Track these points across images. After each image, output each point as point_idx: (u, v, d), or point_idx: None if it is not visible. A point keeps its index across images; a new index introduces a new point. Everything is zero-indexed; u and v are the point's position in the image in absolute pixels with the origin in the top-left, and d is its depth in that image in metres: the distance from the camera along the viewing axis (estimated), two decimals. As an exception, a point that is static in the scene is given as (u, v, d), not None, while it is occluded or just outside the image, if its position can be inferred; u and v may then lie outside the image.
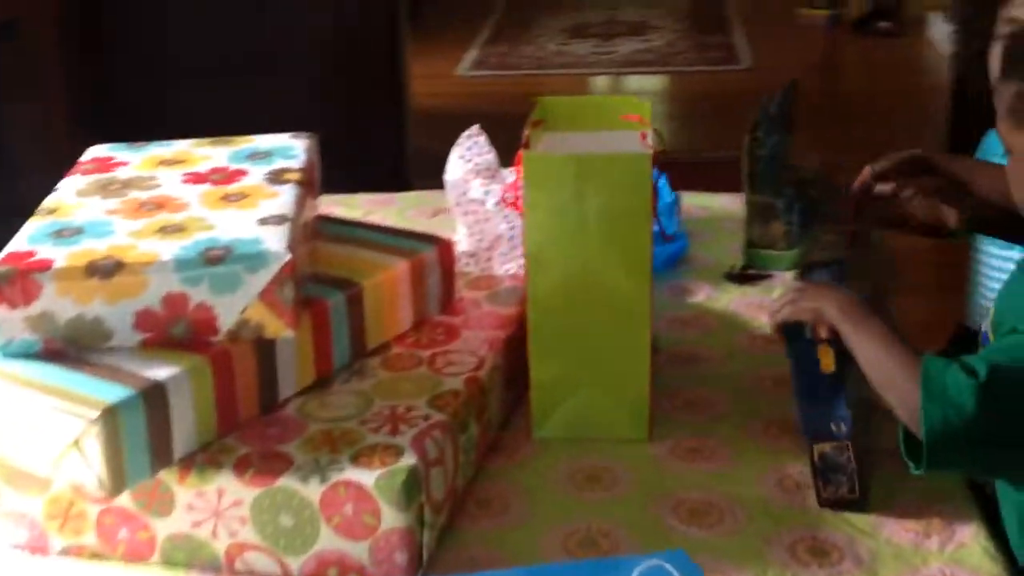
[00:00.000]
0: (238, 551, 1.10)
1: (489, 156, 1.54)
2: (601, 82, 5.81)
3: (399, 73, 4.01)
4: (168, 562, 1.12)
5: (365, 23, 3.89)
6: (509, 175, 1.55)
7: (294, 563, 1.09)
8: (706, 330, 1.58)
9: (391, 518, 1.06)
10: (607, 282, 1.27)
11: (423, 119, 4.22)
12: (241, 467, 1.10)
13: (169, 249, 1.13)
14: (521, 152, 1.27)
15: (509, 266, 1.52)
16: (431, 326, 1.38)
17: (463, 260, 1.51)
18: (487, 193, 1.52)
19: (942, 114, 4.24)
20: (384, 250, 1.36)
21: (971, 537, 1.13)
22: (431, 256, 1.38)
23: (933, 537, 1.13)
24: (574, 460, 1.28)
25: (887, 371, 1.13)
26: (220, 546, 1.11)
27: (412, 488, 1.07)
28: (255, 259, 1.12)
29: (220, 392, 1.13)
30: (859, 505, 1.17)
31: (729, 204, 1.95)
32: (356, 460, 1.09)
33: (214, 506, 1.09)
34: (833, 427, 1.17)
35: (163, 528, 1.11)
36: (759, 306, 1.65)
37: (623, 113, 1.38)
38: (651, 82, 5.85)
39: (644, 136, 1.31)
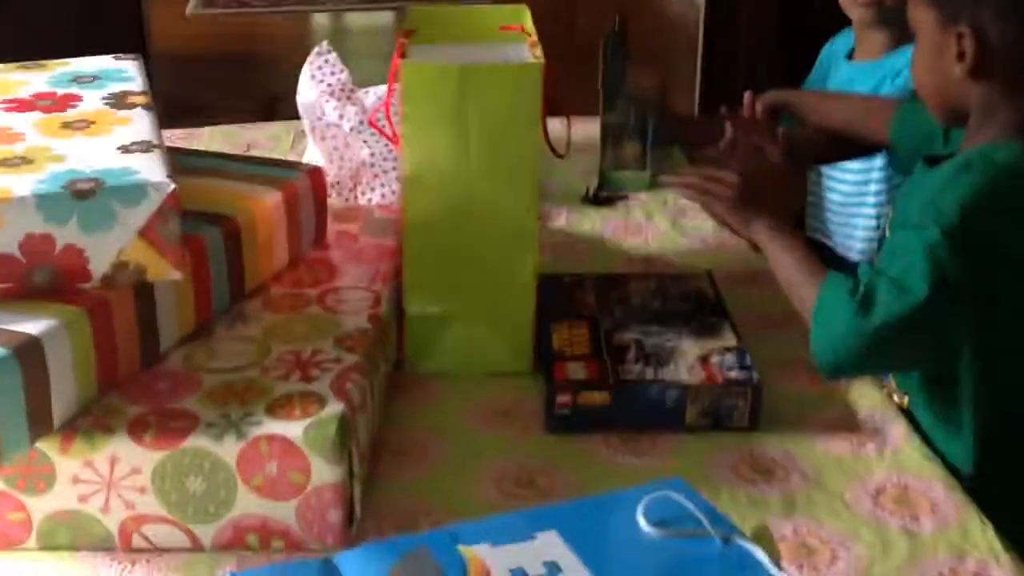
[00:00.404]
0: (135, 525, 0.95)
1: (342, 75, 1.41)
2: (352, 18, 5.59)
3: (139, 18, 3.75)
4: (47, 546, 0.96)
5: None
6: (364, 95, 1.42)
7: (205, 532, 0.95)
8: (578, 256, 1.52)
9: (323, 473, 0.94)
10: (491, 204, 1.16)
11: (159, 63, 3.96)
12: (137, 430, 0.94)
13: (23, 184, 0.95)
14: (396, 63, 1.14)
15: (372, 195, 1.40)
16: (309, 263, 1.25)
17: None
18: (342, 116, 1.39)
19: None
20: (252, 180, 1.22)
21: (903, 441, 1.12)
22: (303, 184, 1.24)
23: (868, 445, 1.12)
24: (479, 396, 1.19)
25: (797, 294, 1.17)
26: (113, 521, 0.95)
27: (344, 438, 0.95)
28: (132, 191, 0.96)
29: (101, 347, 0.97)
30: None
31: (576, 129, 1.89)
32: (273, 412, 0.96)
33: (106, 477, 0.94)
34: None
35: (40, 506, 0.95)
36: (624, 229, 1.61)
37: (502, 24, 1.28)
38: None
39: (533, 44, 1.22)
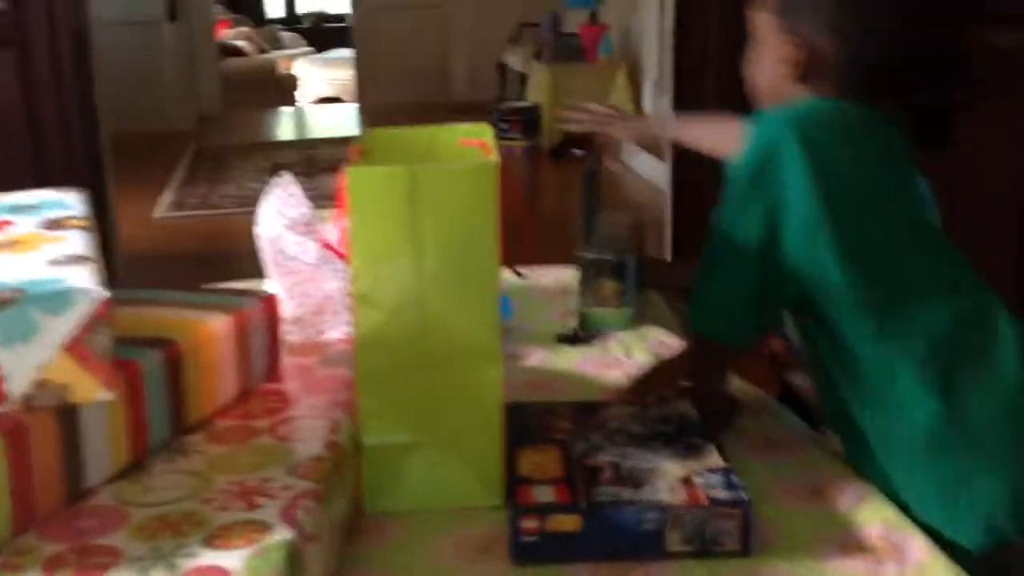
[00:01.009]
0: None
1: (304, 208, 1.34)
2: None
3: (106, 220, 3.75)
4: None
5: (69, 174, 3.59)
6: (326, 230, 1.35)
7: None
8: (554, 391, 1.42)
9: (268, 609, 0.82)
10: (449, 318, 1.06)
11: (125, 263, 3.95)
12: (52, 568, 0.82)
13: (-65, 296, 0.87)
14: (345, 172, 1.07)
15: (336, 332, 1.31)
16: (260, 396, 1.15)
17: (285, 327, 1.29)
18: (304, 249, 1.32)
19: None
20: (200, 307, 1.13)
21: (926, 556, 1.01)
22: (255, 311, 1.15)
23: (887, 564, 1.00)
24: (446, 533, 1.07)
25: None
26: None
27: (293, 568, 0.83)
28: (57, 299, 0.87)
29: (15, 478, 0.86)
30: None
31: (544, 276, 1.84)
32: (210, 543, 0.84)
33: (16, 627, 0.81)
34: None
35: (-58, 667, 0.82)
36: (603, 363, 1.52)
37: (463, 139, 1.23)
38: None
39: (488, 151, 1.15)
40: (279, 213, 1.33)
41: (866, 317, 1.15)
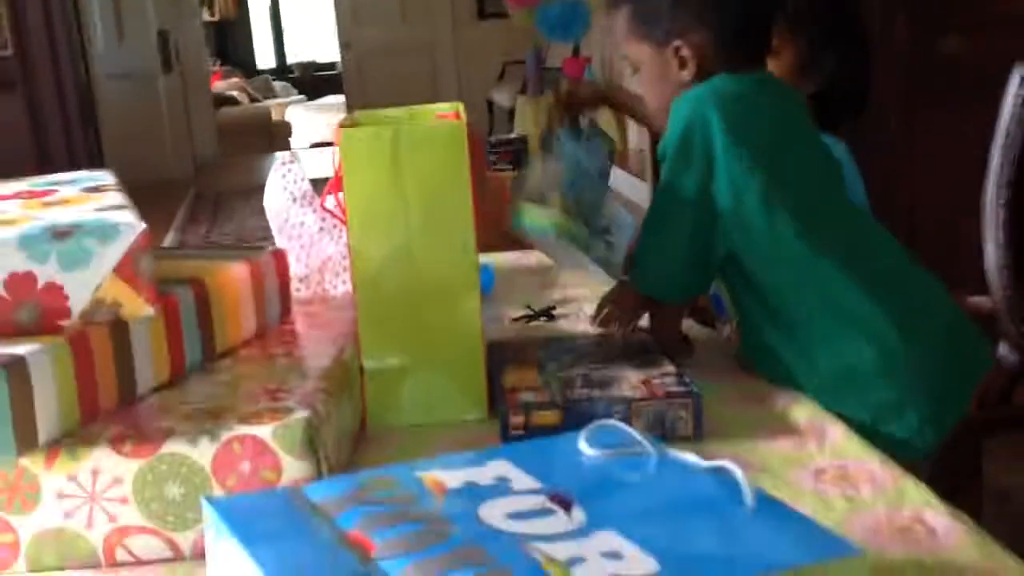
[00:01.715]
0: (118, 538, 1.00)
1: (305, 184, 1.54)
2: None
3: None
4: (35, 567, 1.00)
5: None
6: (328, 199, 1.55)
7: (185, 539, 1.00)
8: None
9: (293, 469, 1.00)
10: (432, 260, 1.25)
11: None
12: (117, 443, 1.01)
13: (6, 231, 1.06)
14: (337, 130, 1.26)
15: (338, 288, 1.50)
16: (276, 333, 1.33)
17: (294, 285, 1.48)
18: (306, 219, 1.51)
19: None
20: (222, 258, 1.32)
21: (842, 437, 1.19)
22: (268, 260, 1.35)
23: (810, 443, 1.19)
24: (440, 443, 1.25)
25: None
26: (97, 536, 1.00)
27: (311, 437, 1.02)
28: (107, 231, 1.06)
29: (81, 376, 1.04)
30: None
31: (526, 258, 2.02)
32: (244, 420, 1.03)
33: (89, 490, 0.99)
34: None
35: (28, 527, 1.00)
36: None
37: (439, 113, 1.42)
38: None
39: (457, 115, 1.35)
40: (283, 188, 1.52)
41: (789, 263, 1.32)
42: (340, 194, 1.28)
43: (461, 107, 1.41)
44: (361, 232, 1.25)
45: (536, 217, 1.37)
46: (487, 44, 8.68)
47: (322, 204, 1.42)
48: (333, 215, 1.42)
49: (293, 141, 10.22)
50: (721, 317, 1.50)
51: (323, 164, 7.87)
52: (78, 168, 4.04)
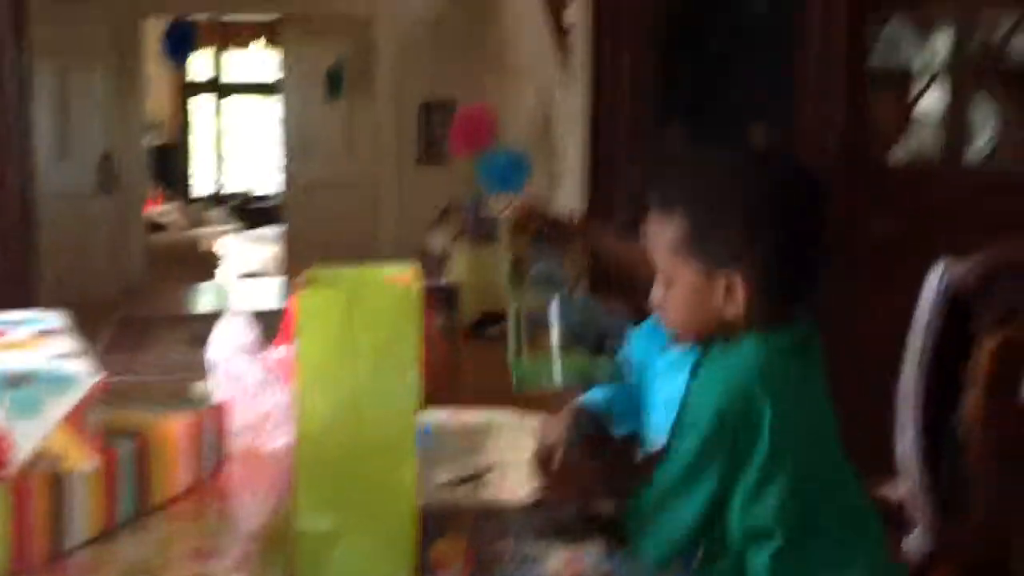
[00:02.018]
0: None
1: (251, 336, 1.56)
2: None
3: None
4: None
5: None
6: (269, 354, 1.57)
7: None
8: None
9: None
10: (374, 422, 1.27)
11: None
12: (45, 599, 1.00)
13: (-44, 378, 1.06)
14: (293, 296, 1.29)
15: (282, 441, 1.51)
16: (210, 487, 1.34)
17: (231, 436, 1.48)
18: (249, 370, 1.53)
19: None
20: (164, 407, 1.33)
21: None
22: (209, 413, 1.36)
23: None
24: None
25: None
26: None
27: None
28: (62, 382, 1.07)
29: (15, 526, 1.04)
30: None
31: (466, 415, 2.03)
32: (176, 584, 1.03)
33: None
34: None
35: None
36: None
37: (392, 276, 1.46)
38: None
39: (408, 280, 1.39)
40: (229, 339, 1.54)
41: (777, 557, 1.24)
42: (288, 348, 1.31)
43: (413, 270, 1.46)
44: (308, 390, 1.27)
45: (567, 366, 1.43)
46: (428, 187, 8.82)
47: (268, 358, 1.44)
48: (278, 369, 1.44)
49: (225, 271, 10.20)
50: None
51: (251, 296, 7.79)
52: (15, 285, 4.01)
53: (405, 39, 8.88)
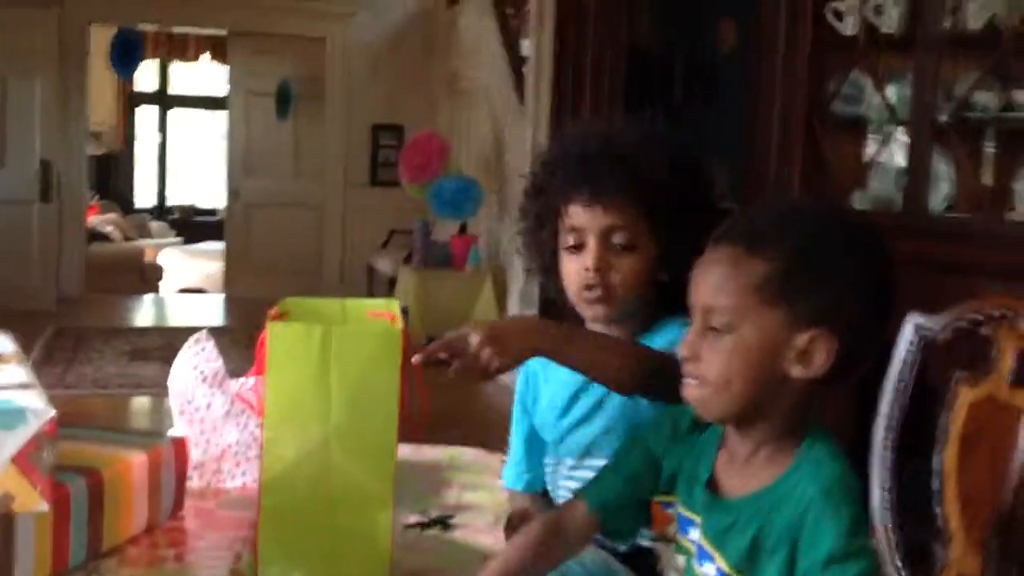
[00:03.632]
0: None
1: (217, 363, 1.47)
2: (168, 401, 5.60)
3: None
4: None
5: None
6: (236, 384, 1.49)
7: None
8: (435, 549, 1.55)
9: None
10: (348, 467, 1.20)
11: None
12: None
13: (-101, 408, 0.98)
14: (266, 328, 1.21)
15: (234, 482, 1.43)
16: (165, 530, 1.25)
17: (188, 473, 1.40)
18: (212, 401, 1.45)
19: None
20: (119, 443, 1.25)
21: None
22: (168, 449, 1.28)
23: None
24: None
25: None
26: None
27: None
28: (12, 417, 0.99)
29: (-43, 573, 0.95)
30: None
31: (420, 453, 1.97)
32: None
33: None
34: None
35: None
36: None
37: (372, 310, 1.39)
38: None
39: (393, 317, 1.32)
40: (193, 367, 1.46)
41: None
42: (259, 381, 1.24)
43: (396, 306, 1.39)
44: (278, 428, 1.20)
45: None
46: (376, 209, 8.75)
47: (238, 392, 1.36)
48: (247, 403, 1.36)
49: (163, 284, 10.01)
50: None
51: (191, 311, 7.63)
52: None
53: (356, 61, 8.81)
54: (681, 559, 1.24)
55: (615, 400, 1.42)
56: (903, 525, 1.95)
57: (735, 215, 1.22)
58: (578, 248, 1.43)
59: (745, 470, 1.18)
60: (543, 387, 1.53)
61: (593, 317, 1.49)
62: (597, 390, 1.43)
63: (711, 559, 1.18)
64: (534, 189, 1.49)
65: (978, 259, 2.88)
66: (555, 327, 1.30)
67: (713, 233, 1.20)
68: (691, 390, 1.15)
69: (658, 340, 1.43)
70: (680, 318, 1.47)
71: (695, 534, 1.21)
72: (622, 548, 1.39)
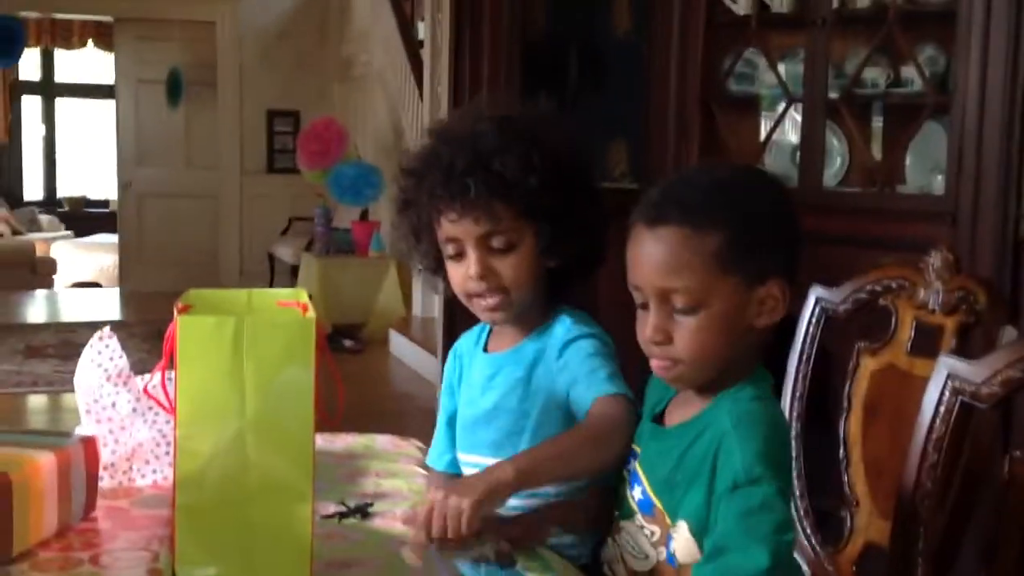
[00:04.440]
0: None
1: (122, 361, 1.44)
2: (67, 398, 5.49)
3: None
4: None
5: None
6: (142, 380, 1.46)
7: None
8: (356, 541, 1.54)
9: None
10: (265, 461, 1.17)
11: None
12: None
13: None
14: (175, 321, 1.19)
15: (145, 480, 1.40)
16: (78, 533, 1.23)
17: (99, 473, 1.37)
18: (118, 400, 1.42)
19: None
20: (27, 445, 1.22)
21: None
22: (77, 449, 1.25)
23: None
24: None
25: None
26: None
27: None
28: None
29: None
30: None
31: (335, 442, 1.96)
32: (53, 647, 0.93)
33: None
34: None
35: None
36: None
37: (280, 300, 1.37)
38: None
39: (304, 307, 1.31)
40: (97, 365, 1.42)
41: None
42: (168, 377, 1.21)
43: (304, 295, 1.37)
44: (191, 425, 1.17)
45: None
46: (274, 197, 8.64)
47: (145, 388, 1.34)
48: (155, 400, 1.33)
49: (56, 278, 9.74)
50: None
51: (85, 306, 7.44)
52: None
53: (248, 46, 8.67)
54: (622, 489, 1.30)
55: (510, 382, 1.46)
56: (811, 493, 2.00)
57: (647, 194, 1.24)
58: (459, 256, 1.43)
59: (687, 403, 1.25)
60: (467, 369, 1.56)
61: (490, 320, 1.50)
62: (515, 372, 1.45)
63: (640, 483, 1.25)
64: (403, 202, 1.46)
65: (872, 232, 2.97)
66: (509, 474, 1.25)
67: (632, 214, 1.23)
68: (667, 371, 1.20)
69: (558, 329, 1.46)
70: (570, 309, 1.49)
71: (634, 463, 1.28)
72: (584, 561, 1.39)
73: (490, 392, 1.51)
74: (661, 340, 1.18)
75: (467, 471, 1.55)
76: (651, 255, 1.18)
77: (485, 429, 1.50)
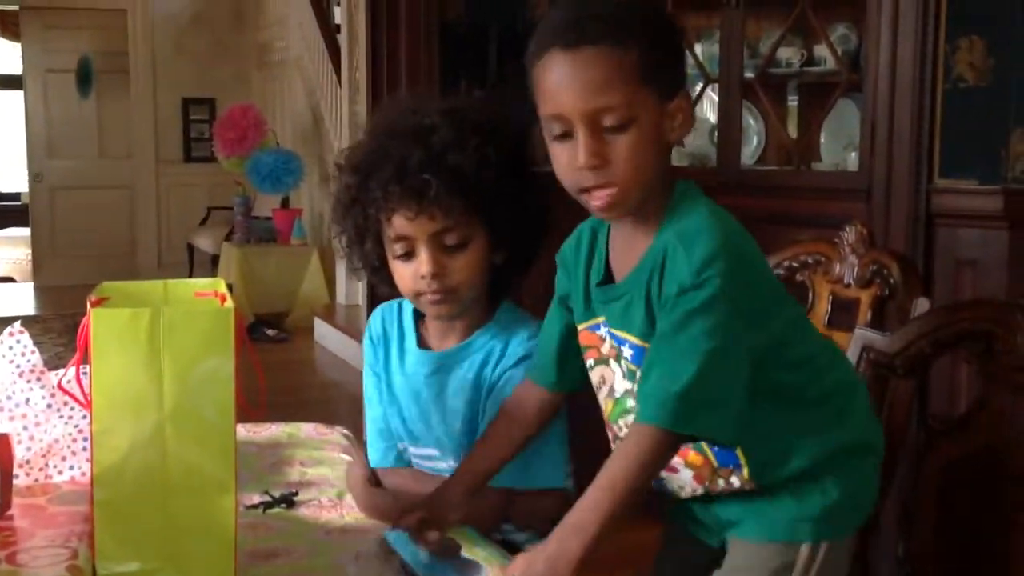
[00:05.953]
0: None
1: (34, 356, 1.41)
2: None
3: None
4: None
5: None
6: (55, 376, 1.43)
7: None
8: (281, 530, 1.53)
9: None
10: (185, 454, 1.16)
11: None
12: None
13: None
14: (88, 314, 1.16)
15: (62, 476, 1.37)
16: (-6, 532, 1.20)
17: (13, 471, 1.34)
18: (32, 396, 1.38)
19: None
20: (-64, 444, 1.18)
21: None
22: (-9, 449, 1.22)
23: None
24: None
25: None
26: None
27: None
28: None
29: None
30: None
31: (259, 432, 1.94)
32: (-31, 649, 0.90)
33: None
34: None
35: None
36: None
37: (197, 291, 1.35)
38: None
39: (222, 297, 1.29)
40: (9, 361, 1.39)
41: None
42: (82, 371, 1.18)
43: (222, 284, 1.35)
44: (107, 419, 1.15)
45: None
46: (192, 186, 8.50)
47: (59, 383, 1.31)
48: (70, 395, 1.30)
49: (-33, 275, 9.49)
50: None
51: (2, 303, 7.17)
52: None
53: (161, 34, 8.51)
54: (600, 370, 1.29)
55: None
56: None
57: (549, 20, 1.23)
58: (408, 256, 1.41)
59: (630, 250, 1.23)
60: (395, 360, 1.55)
61: (437, 315, 1.49)
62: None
63: (624, 342, 1.23)
64: (348, 199, 1.42)
65: (788, 209, 3.00)
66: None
67: (534, 44, 1.23)
68: (604, 198, 1.17)
69: (512, 340, 1.46)
70: (510, 304, 1.49)
71: (604, 331, 1.26)
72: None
73: (433, 388, 1.49)
74: (598, 163, 1.15)
75: (420, 464, 1.55)
76: (576, 78, 1.15)
77: (438, 425, 1.49)
